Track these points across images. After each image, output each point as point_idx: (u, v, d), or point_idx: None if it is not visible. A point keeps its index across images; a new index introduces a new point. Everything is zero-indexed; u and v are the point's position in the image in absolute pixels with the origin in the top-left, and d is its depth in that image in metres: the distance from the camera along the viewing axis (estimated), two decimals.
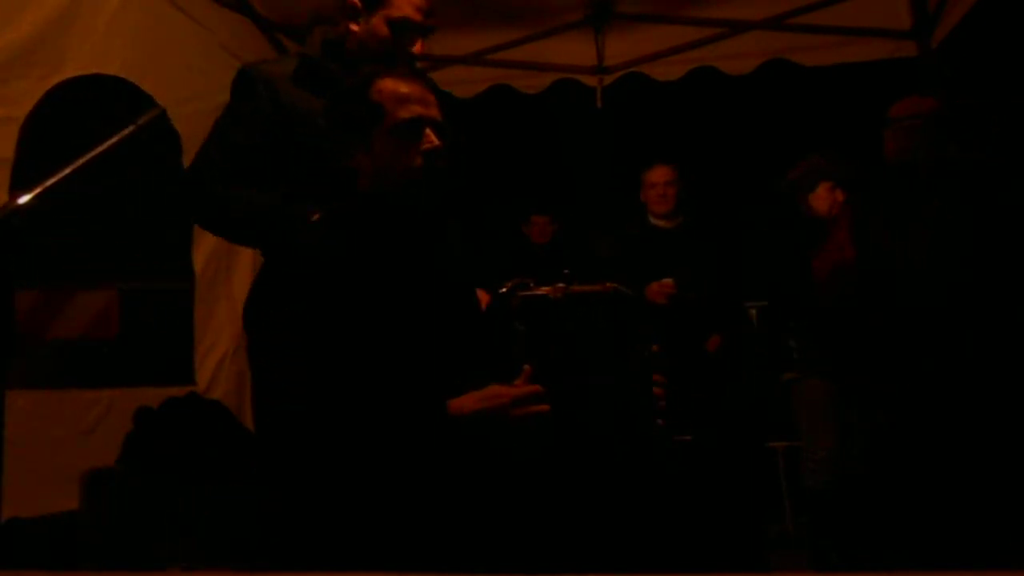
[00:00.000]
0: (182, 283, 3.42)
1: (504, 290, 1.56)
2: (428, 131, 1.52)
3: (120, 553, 2.16)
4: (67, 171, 1.46)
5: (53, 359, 3.32)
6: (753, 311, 3.85)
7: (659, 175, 3.47)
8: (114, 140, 1.51)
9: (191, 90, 3.23)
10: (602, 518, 1.38)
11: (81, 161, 1.48)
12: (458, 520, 1.34)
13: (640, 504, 1.41)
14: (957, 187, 2.70)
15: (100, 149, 1.50)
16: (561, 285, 1.52)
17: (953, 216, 2.66)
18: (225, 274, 3.51)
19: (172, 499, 2.28)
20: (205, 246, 3.42)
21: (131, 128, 1.52)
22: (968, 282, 2.57)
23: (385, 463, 1.34)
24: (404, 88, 1.54)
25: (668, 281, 3.25)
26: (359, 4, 1.95)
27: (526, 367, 1.42)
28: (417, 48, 1.97)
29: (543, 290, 1.52)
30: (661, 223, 3.50)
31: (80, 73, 2.77)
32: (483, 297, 1.68)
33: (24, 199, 1.38)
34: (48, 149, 1.50)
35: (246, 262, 3.56)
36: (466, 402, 1.39)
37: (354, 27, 1.97)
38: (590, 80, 4.10)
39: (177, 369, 3.34)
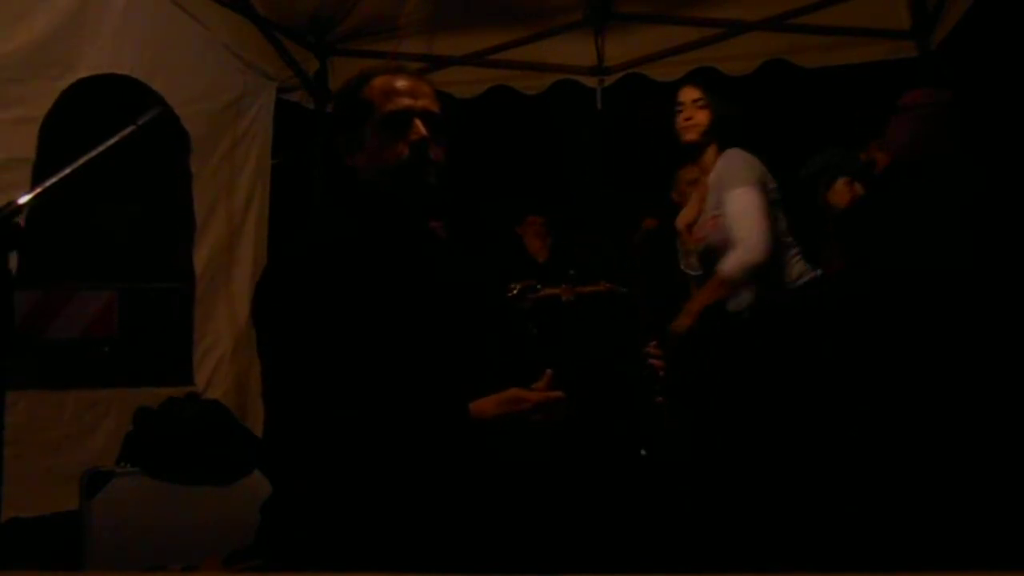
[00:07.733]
0: (182, 283, 3.42)
1: (514, 292, 1.54)
2: (416, 122, 1.47)
3: (120, 553, 2.16)
4: (67, 171, 1.46)
5: (53, 359, 3.31)
6: None
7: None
8: (114, 140, 1.50)
9: (197, 90, 3.25)
10: (616, 516, 1.37)
11: (81, 161, 1.48)
12: (478, 524, 1.31)
13: (648, 498, 1.40)
14: (964, 184, 2.65)
15: (100, 149, 1.49)
16: (567, 286, 1.52)
17: (958, 214, 2.62)
18: (225, 274, 3.51)
19: (172, 499, 2.28)
20: (206, 246, 3.43)
21: (131, 128, 1.51)
22: (972, 281, 2.54)
23: (407, 467, 1.31)
24: (393, 83, 1.51)
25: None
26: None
27: (548, 371, 1.39)
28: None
29: (553, 291, 1.51)
30: None
31: (93, 73, 2.79)
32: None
33: (24, 199, 1.38)
34: (67, 150, 1.50)
35: (246, 262, 3.56)
36: (486, 406, 1.34)
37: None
38: (590, 81, 4.10)
39: (176, 369, 3.34)
